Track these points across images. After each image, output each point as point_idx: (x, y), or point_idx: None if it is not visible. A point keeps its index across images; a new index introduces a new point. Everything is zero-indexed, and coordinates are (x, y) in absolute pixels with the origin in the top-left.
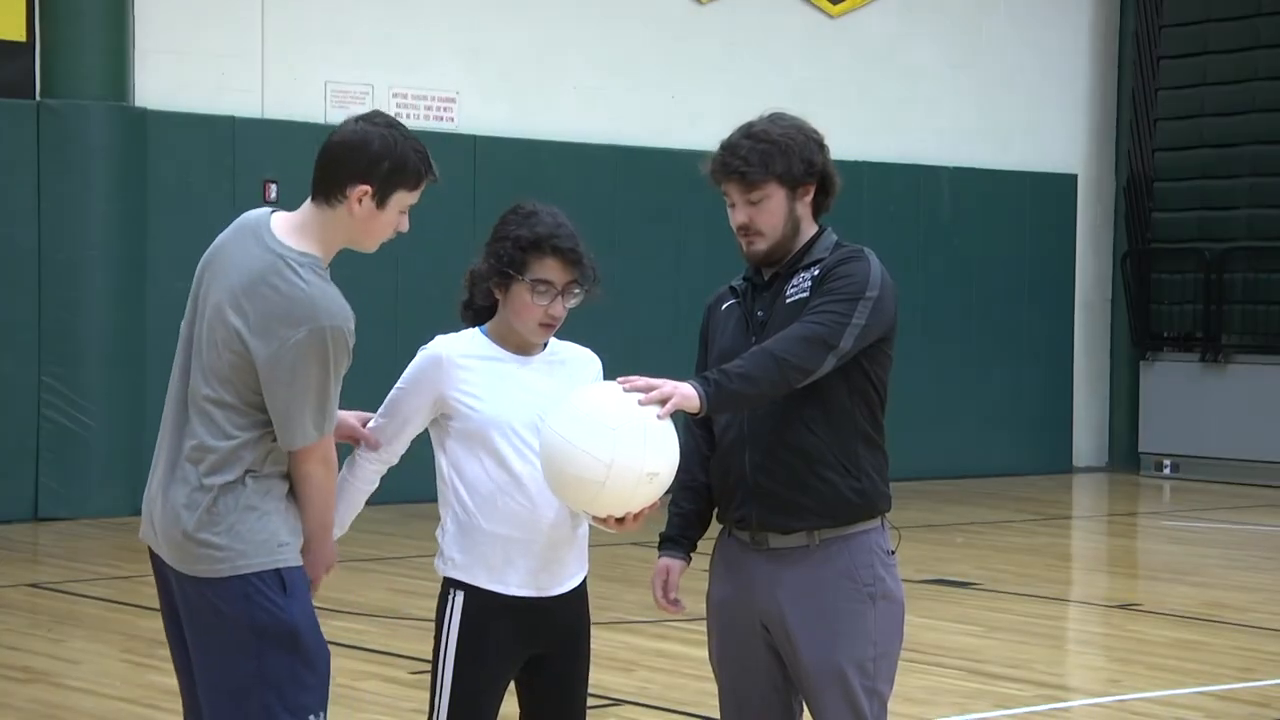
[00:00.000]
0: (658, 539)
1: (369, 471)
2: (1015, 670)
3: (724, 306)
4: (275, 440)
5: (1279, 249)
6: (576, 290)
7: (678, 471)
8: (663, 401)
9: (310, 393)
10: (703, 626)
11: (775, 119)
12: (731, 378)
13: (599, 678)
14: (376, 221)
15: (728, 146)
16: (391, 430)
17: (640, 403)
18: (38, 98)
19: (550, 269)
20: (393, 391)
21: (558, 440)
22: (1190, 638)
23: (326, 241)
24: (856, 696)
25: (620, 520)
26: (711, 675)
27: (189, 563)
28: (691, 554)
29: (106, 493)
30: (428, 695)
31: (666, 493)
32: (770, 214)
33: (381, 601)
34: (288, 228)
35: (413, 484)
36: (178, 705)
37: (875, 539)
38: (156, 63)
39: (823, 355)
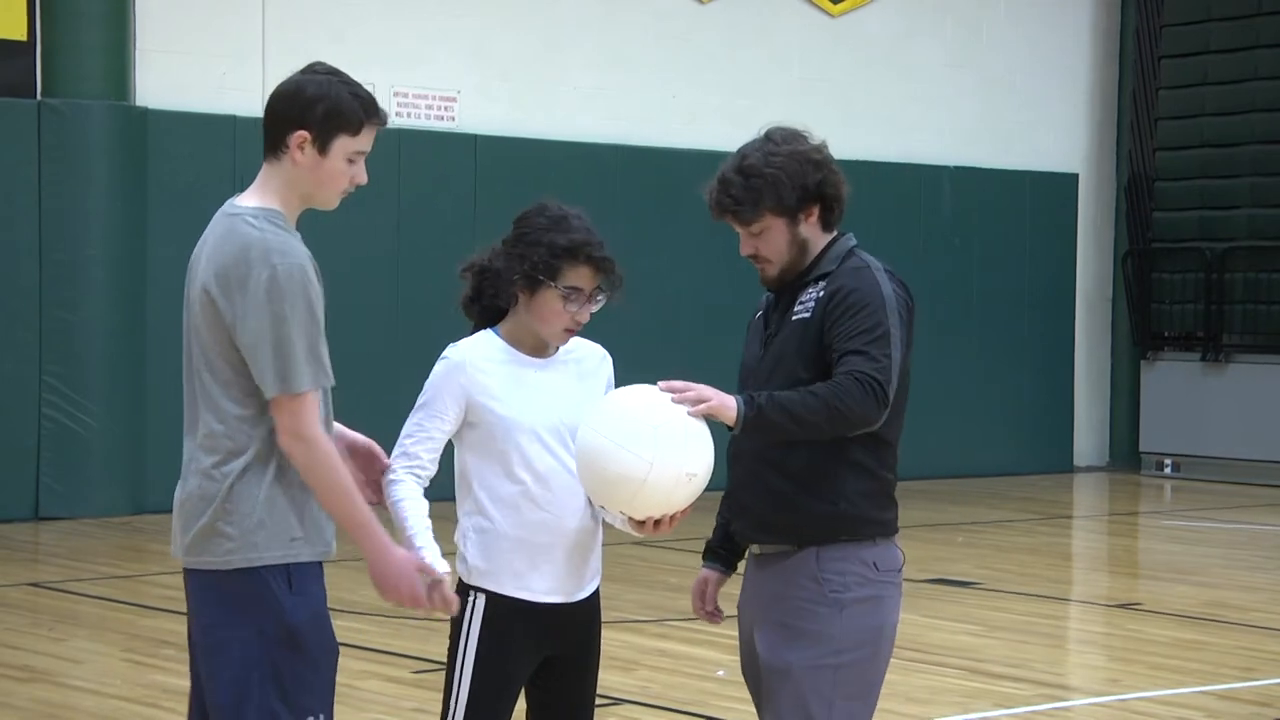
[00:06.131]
0: (703, 547)
1: (410, 487)
2: (1016, 670)
3: (757, 316)
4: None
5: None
6: (601, 296)
7: (727, 482)
8: (697, 402)
9: (266, 340)
10: (702, 626)
11: (768, 146)
12: (777, 408)
13: (600, 677)
14: (323, 170)
15: (721, 182)
16: (427, 449)
17: (673, 400)
18: (39, 97)
19: (582, 277)
20: (418, 409)
21: (598, 440)
22: (1191, 637)
23: (283, 195)
24: (807, 701)
25: (658, 523)
26: (711, 675)
27: (199, 554)
28: (735, 562)
29: (107, 492)
30: (430, 695)
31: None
32: (772, 243)
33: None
34: (249, 192)
35: None
36: (179, 705)
37: (860, 551)
38: (157, 62)
39: (879, 411)
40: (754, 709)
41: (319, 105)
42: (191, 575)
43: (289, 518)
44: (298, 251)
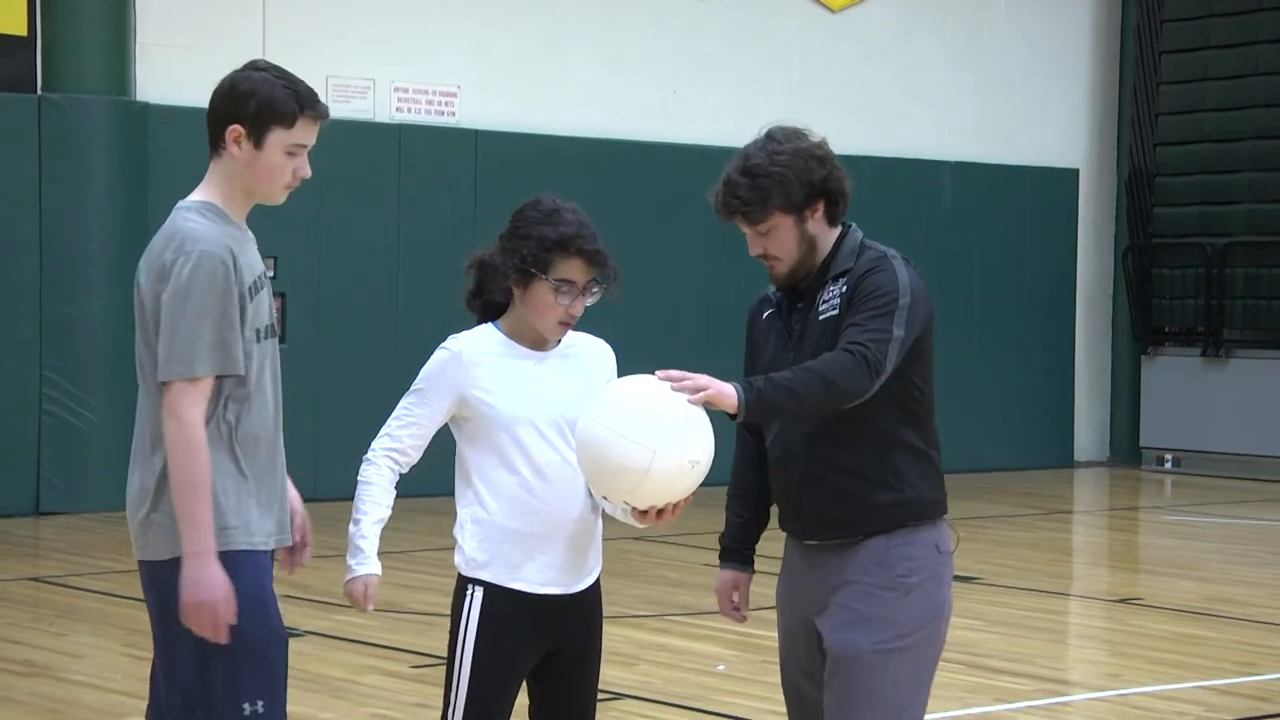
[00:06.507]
0: (719, 546)
1: (381, 473)
2: (1016, 664)
3: (765, 315)
4: (212, 410)
5: None
6: (595, 289)
7: (730, 480)
8: (695, 391)
9: (168, 322)
10: (702, 621)
11: (771, 145)
12: (776, 388)
13: (601, 671)
14: (260, 163)
15: (728, 184)
16: (411, 434)
17: (673, 388)
18: (39, 92)
19: (574, 269)
20: (410, 394)
21: (599, 430)
22: (1191, 632)
23: (224, 190)
24: (874, 684)
25: (660, 513)
26: (710, 669)
27: (141, 546)
28: (753, 560)
29: (107, 487)
30: (431, 689)
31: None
32: (781, 241)
33: (383, 595)
34: (197, 188)
35: (414, 478)
36: None
37: (922, 535)
38: (158, 57)
39: (870, 380)
40: (762, 701)
41: (251, 100)
42: (140, 567)
43: (219, 507)
44: (217, 242)
